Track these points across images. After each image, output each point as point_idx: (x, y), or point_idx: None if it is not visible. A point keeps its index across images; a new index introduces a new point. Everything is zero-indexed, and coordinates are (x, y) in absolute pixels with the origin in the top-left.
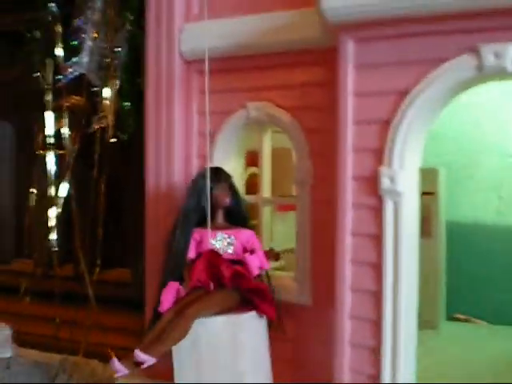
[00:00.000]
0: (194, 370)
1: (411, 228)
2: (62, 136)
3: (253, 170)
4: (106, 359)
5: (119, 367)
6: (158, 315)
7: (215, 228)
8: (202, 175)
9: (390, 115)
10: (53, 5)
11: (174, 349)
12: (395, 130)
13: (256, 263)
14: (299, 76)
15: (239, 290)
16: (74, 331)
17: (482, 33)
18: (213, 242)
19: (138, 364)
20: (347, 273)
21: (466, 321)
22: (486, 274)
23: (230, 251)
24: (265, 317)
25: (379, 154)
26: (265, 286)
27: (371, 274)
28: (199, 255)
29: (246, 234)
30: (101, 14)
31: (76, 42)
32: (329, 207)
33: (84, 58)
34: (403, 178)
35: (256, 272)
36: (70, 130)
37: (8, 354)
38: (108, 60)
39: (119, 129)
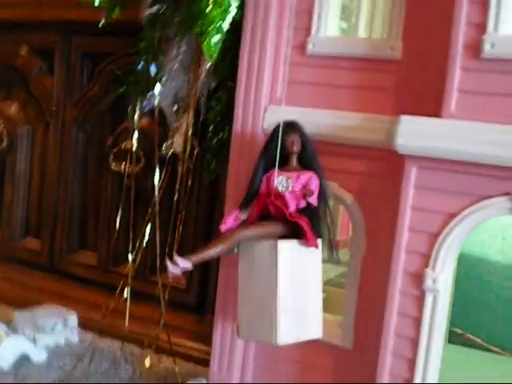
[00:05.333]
0: (248, 280)
1: (443, 311)
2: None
3: None
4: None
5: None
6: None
7: (287, 170)
8: (279, 127)
9: (439, 230)
10: (153, 67)
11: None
12: (441, 243)
13: (294, 201)
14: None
15: (287, 222)
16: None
17: None
18: (276, 182)
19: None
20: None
21: (462, 335)
22: (485, 301)
23: (288, 190)
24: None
25: (426, 257)
26: (302, 220)
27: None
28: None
29: (306, 176)
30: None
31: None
32: (379, 278)
33: (157, 91)
34: (442, 280)
35: (292, 208)
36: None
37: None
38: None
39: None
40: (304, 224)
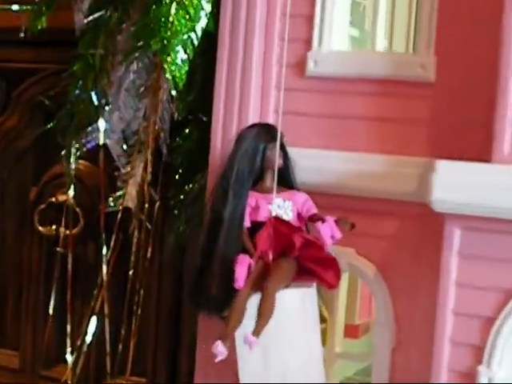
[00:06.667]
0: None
1: None
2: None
3: None
4: None
5: (221, 350)
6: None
7: (265, 191)
8: (254, 134)
9: (494, 313)
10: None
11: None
12: (498, 330)
13: (328, 232)
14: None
15: (297, 258)
16: None
17: None
18: (272, 208)
19: None
20: None
21: None
22: None
23: (287, 218)
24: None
25: (478, 350)
26: (333, 256)
27: None
28: (256, 223)
29: (301, 198)
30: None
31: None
32: (414, 377)
33: (102, 125)
34: (501, 379)
35: (329, 242)
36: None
37: None
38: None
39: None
40: (334, 261)
